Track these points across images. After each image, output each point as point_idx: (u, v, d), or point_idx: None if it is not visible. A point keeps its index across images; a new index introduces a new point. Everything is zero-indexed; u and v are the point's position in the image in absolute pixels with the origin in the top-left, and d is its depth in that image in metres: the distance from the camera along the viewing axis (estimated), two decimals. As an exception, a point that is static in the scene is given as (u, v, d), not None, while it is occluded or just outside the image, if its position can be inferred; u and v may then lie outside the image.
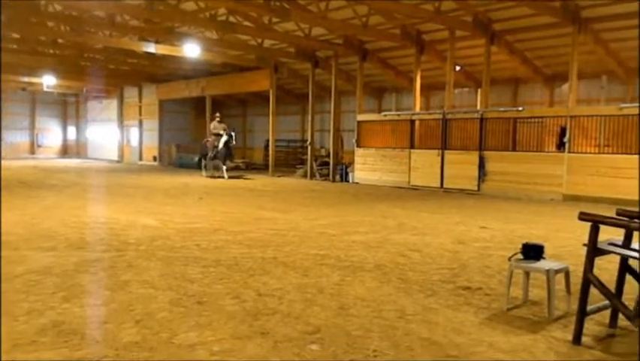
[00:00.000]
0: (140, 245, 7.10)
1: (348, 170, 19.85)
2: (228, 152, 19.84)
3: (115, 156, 33.70)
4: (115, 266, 5.90)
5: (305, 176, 21.39)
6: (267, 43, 20.45)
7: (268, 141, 23.84)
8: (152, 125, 31.05)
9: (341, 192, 15.98)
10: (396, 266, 6.13)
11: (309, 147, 21.40)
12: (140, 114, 32.15)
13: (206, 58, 21.42)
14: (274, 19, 17.26)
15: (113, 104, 34.54)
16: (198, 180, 19.24)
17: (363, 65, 19.67)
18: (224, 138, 19.40)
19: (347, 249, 7.09)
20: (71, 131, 39.50)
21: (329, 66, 20.63)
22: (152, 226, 8.82)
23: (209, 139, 20.39)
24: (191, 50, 18.99)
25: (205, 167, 21.03)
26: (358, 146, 19.13)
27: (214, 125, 20.35)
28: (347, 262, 6.27)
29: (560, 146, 14.41)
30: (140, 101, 32.16)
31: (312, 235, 8.10)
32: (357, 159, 19.19)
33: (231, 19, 17.67)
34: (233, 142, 19.96)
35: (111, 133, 34.57)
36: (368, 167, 18.70)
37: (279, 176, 21.63)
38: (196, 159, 27.16)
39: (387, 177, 17.86)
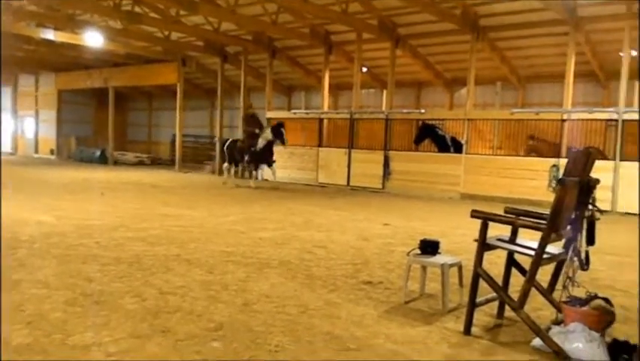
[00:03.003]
0: (34, 243, 6.72)
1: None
2: (269, 154, 15.64)
3: (8, 148, 31.51)
4: (5, 265, 5.55)
5: (213, 172, 21.11)
6: (175, 35, 19.97)
7: (175, 135, 23.29)
8: (49, 116, 29.33)
9: (249, 189, 15.90)
10: (301, 262, 6.21)
11: (218, 143, 21.13)
12: (37, 104, 30.29)
13: (110, 48, 20.56)
14: (182, 12, 16.88)
15: (6, 92, 32.24)
16: (99, 175, 18.44)
17: (272, 62, 19.73)
18: (266, 138, 15.41)
19: (254, 246, 7.09)
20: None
21: (238, 62, 20.51)
22: (47, 222, 8.36)
23: (240, 138, 16.57)
24: (94, 39, 18.16)
25: (233, 172, 16.97)
26: (266, 143, 19.12)
27: (251, 121, 16.15)
28: (253, 259, 6.28)
29: (417, 141, 15.23)
30: (37, 90, 30.30)
31: (218, 232, 8.03)
32: (266, 157, 19.16)
33: (137, 9, 17.08)
34: (284, 141, 15.70)
35: (3, 123, 32.26)
36: (277, 164, 18.70)
37: (187, 172, 21.18)
38: (98, 153, 26.09)
39: (295, 175, 18.00)
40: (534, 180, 12.84)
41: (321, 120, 17.82)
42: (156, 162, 26.46)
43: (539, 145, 14.19)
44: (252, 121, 16.10)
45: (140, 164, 25.54)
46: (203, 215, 9.86)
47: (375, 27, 16.19)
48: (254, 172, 15.79)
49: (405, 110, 17.09)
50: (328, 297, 4.87)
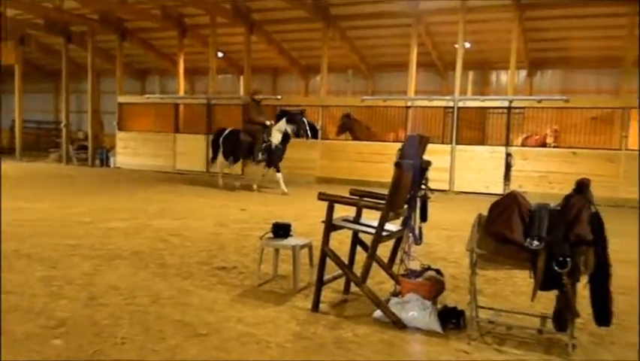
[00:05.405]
0: None
1: (110, 154, 18.85)
2: (284, 152, 12.59)
3: None
4: None
5: (60, 161, 19.71)
6: (11, 12, 18.15)
7: (14, 121, 21.35)
8: None
9: (101, 177, 15.12)
10: (154, 252, 6.08)
11: (64, 129, 19.74)
12: None
13: None
14: (18, -13, 15.44)
15: None
16: None
17: (122, 44, 18.78)
18: (281, 131, 12.30)
19: (103, 237, 6.81)
20: None
21: (85, 43, 19.20)
22: None
23: (240, 129, 13.08)
24: None
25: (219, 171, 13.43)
26: (120, 129, 18.25)
27: (257, 109, 12.87)
28: (102, 251, 6.03)
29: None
30: None
31: (64, 224, 7.58)
32: (119, 143, 18.29)
33: (-38, -20, 15.30)
34: (309, 133, 12.39)
35: None
36: (131, 151, 17.97)
37: (29, 161, 19.54)
38: None
39: (151, 162, 17.38)
40: (383, 163, 13.58)
41: (177, 106, 17.34)
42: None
43: (352, 123, 14.92)
44: (261, 109, 13.00)
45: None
46: (48, 207, 9.21)
47: (229, 11, 16.03)
48: (278, 174, 12.42)
49: (262, 97, 17.16)
50: (181, 285, 4.84)
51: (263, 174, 12.73)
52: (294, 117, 12.25)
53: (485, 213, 3.82)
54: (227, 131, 13.19)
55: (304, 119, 12.28)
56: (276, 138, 12.35)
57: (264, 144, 12.40)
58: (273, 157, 12.38)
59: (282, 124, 12.33)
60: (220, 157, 13.10)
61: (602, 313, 3.62)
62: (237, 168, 13.47)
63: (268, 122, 12.51)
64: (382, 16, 15.44)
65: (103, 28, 18.26)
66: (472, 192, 12.77)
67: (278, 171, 12.42)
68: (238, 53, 19.03)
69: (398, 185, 4.23)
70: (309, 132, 12.31)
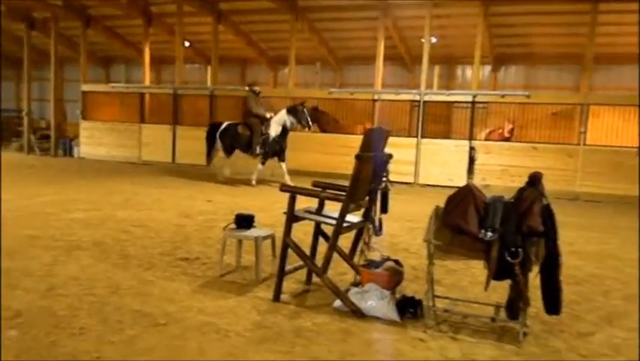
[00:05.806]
0: None
1: (73, 144, 18.49)
2: (284, 144, 12.28)
3: None
4: None
5: (21, 150, 19.27)
6: (-31, -4, 17.64)
7: (-27, 109, 20.78)
8: None
9: (64, 167, 14.84)
10: (116, 243, 6.04)
11: (26, 118, 19.29)
12: None
13: None
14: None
15: None
16: None
17: (86, 31, 18.38)
18: (281, 123, 12.02)
19: (64, 228, 6.72)
20: None
21: (48, 29, 18.75)
22: None
23: (239, 122, 12.54)
24: None
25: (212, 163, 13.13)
26: (84, 118, 17.90)
27: (256, 101, 12.44)
28: (62, 242, 5.96)
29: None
30: None
31: (25, 215, 7.45)
32: (82, 133, 17.94)
33: None
34: (309, 123, 12.16)
35: None
36: (95, 141, 17.66)
37: (-12, 150, 19.05)
38: None
39: (116, 152, 17.13)
40: (349, 156, 13.66)
41: (142, 95, 17.09)
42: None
43: (319, 115, 14.87)
44: (260, 101, 12.59)
45: None
46: (8, 197, 8.98)
47: (195, 0, 15.85)
48: (259, 166, 12.21)
49: (230, 87, 17.06)
50: (142, 276, 4.83)
51: (284, 173, 12.19)
52: (294, 109, 12.01)
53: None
54: (224, 126, 12.69)
55: (305, 110, 12.02)
56: (274, 130, 12.08)
57: (262, 136, 12.07)
58: (268, 150, 12.10)
59: (284, 116, 12.04)
60: (220, 152, 12.73)
61: (552, 302, 3.76)
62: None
63: (268, 115, 12.19)
64: (350, 8, 15.48)
65: (66, 14, 17.86)
66: (437, 185, 12.96)
67: (262, 163, 12.19)
68: (205, 43, 18.85)
69: (358, 177, 4.30)
70: (310, 123, 12.12)
